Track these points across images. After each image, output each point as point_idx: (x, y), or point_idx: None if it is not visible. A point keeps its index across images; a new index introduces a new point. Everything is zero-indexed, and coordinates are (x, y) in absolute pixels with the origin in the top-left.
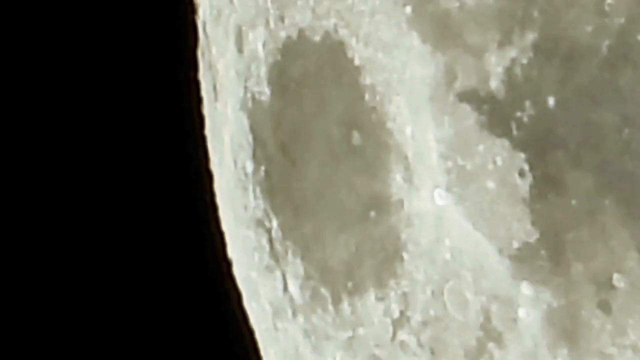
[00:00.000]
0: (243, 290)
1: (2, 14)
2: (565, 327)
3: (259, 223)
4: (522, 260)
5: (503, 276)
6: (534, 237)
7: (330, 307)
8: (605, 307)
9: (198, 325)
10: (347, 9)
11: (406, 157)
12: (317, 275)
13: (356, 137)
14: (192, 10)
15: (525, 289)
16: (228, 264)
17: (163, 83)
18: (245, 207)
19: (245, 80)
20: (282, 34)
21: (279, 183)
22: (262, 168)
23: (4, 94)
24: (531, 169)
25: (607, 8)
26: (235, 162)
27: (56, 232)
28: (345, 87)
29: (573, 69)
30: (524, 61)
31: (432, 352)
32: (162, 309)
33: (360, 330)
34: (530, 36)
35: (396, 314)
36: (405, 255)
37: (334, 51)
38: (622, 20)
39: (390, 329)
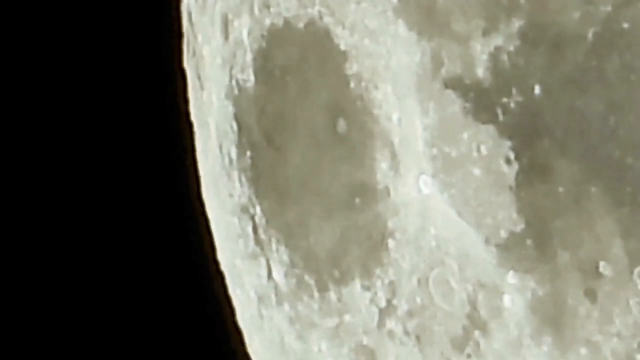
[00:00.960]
0: (227, 277)
1: None
2: (551, 315)
3: (244, 210)
4: (508, 248)
5: (489, 264)
6: (519, 225)
7: (316, 295)
8: (591, 294)
9: (182, 313)
10: None
11: (392, 145)
12: (302, 263)
13: (341, 124)
14: None
15: (511, 277)
16: (213, 250)
17: (148, 71)
18: (230, 194)
19: (231, 68)
20: (267, 22)
21: (263, 170)
22: (247, 155)
23: None
24: (517, 156)
25: None
26: (220, 149)
27: (43, 215)
28: (331, 75)
29: (559, 56)
30: (510, 48)
31: (419, 340)
32: (147, 298)
33: (347, 318)
34: (516, 24)
35: (383, 303)
36: (391, 244)
37: (319, 38)
38: (609, 8)
39: (377, 317)
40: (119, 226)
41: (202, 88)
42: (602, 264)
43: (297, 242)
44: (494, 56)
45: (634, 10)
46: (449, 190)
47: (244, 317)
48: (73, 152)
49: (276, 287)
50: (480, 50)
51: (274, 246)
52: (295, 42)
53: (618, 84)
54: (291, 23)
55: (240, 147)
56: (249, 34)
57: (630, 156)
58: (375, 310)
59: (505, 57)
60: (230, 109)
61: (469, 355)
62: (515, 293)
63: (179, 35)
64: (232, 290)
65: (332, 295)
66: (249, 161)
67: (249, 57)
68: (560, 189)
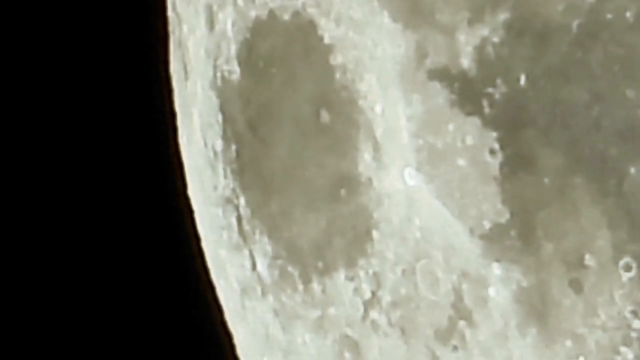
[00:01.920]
0: (211, 269)
1: None
2: (536, 307)
3: (228, 201)
4: (493, 239)
5: (474, 255)
6: (504, 216)
7: (300, 287)
8: (576, 286)
9: (167, 305)
10: None
11: (376, 136)
12: (286, 254)
13: (326, 115)
14: None
15: (496, 268)
16: (197, 242)
17: (133, 63)
18: (215, 186)
19: (215, 59)
20: (252, 13)
21: (248, 162)
22: (232, 147)
23: None
24: (502, 147)
25: None
26: (204, 141)
27: (30, 211)
28: (315, 66)
29: (544, 47)
30: (495, 39)
31: (403, 332)
32: (132, 289)
33: (331, 310)
34: (502, 15)
35: (367, 294)
36: (375, 235)
37: (303, 30)
38: None
39: (361, 308)
40: (102, 217)
41: (186, 79)
42: (587, 255)
43: (281, 234)
44: (479, 47)
45: (618, 2)
46: (433, 181)
47: (228, 309)
48: (55, 142)
49: (260, 279)
50: (465, 41)
51: (257, 237)
52: (280, 33)
53: (602, 74)
54: (276, 14)
55: (225, 139)
56: (234, 25)
57: (614, 147)
58: (359, 301)
59: (490, 48)
60: (215, 100)
61: (454, 347)
62: (500, 284)
63: (164, 26)
64: (216, 282)
65: (316, 286)
66: (233, 153)
67: (233, 48)
68: (545, 180)
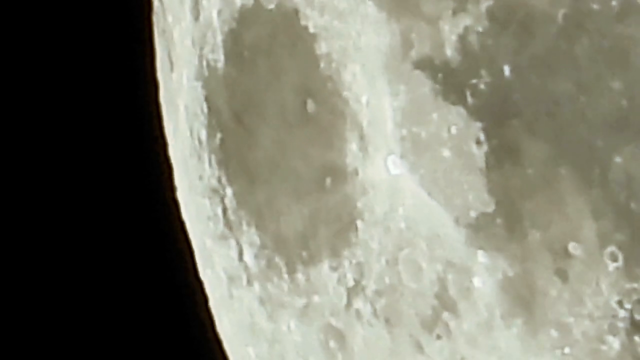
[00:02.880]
0: (198, 258)
1: None
2: (521, 296)
3: (214, 191)
4: (478, 229)
5: (458, 245)
6: (489, 205)
7: (285, 276)
8: (562, 275)
9: (153, 295)
10: None
11: (361, 126)
12: (272, 244)
13: (311, 105)
14: None
15: (481, 257)
16: (184, 232)
17: (118, 53)
18: (200, 176)
19: (201, 49)
20: (238, 2)
21: (233, 152)
22: (217, 137)
23: None
24: (487, 137)
25: None
26: (190, 131)
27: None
28: (300, 55)
29: (529, 37)
30: (479, 29)
31: (387, 321)
32: (118, 279)
33: (315, 299)
34: (485, 4)
35: (351, 283)
36: (359, 224)
37: (289, 19)
38: None
39: (345, 297)
40: (88, 207)
41: (172, 69)
42: (572, 244)
43: (267, 223)
44: (463, 37)
45: None
46: (418, 171)
47: (214, 298)
48: (41, 132)
49: (246, 268)
50: (450, 31)
51: (244, 227)
52: (265, 22)
53: (587, 65)
54: (261, 3)
55: (210, 129)
56: (219, 14)
57: (599, 137)
58: (343, 290)
59: (474, 38)
60: (200, 90)
61: (438, 336)
62: (485, 274)
63: (149, 16)
64: (202, 271)
65: (301, 275)
66: (218, 142)
67: (219, 38)
68: (530, 170)
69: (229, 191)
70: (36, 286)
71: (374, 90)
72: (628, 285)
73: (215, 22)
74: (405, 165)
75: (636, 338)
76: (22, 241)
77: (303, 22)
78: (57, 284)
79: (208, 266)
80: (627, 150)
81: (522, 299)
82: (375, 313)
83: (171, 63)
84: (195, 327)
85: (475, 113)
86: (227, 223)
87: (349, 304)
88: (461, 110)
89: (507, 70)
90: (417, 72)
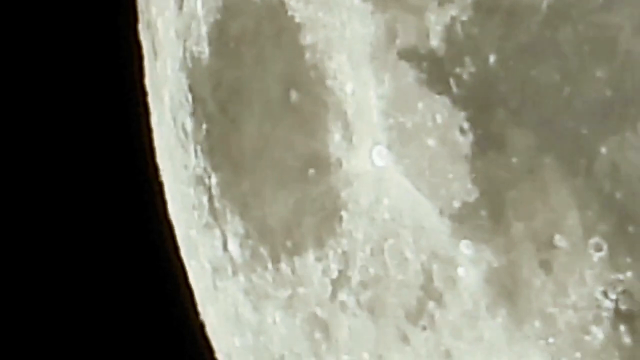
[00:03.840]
0: (182, 248)
1: None
2: (506, 287)
3: (199, 181)
4: (463, 219)
5: (443, 235)
6: (474, 196)
7: (270, 266)
8: (546, 266)
9: (137, 285)
10: None
11: (346, 115)
12: (256, 234)
13: (295, 95)
14: None
15: (466, 248)
16: (169, 223)
17: (103, 43)
18: (185, 166)
19: (185, 40)
20: None
21: (218, 141)
22: (202, 127)
23: None
24: (472, 126)
25: None
26: (175, 121)
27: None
28: (285, 46)
29: (513, 26)
30: (464, 19)
31: (372, 312)
32: (103, 271)
33: (300, 290)
34: None
35: (335, 274)
36: (344, 215)
37: (273, 10)
38: None
39: (330, 288)
40: (73, 198)
41: (156, 60)
42: (557, 235)
43: (252, 213)
44: (449, 27)
45: None
46: (403, 160)
47: (199, 289)
48: (26, 125)
49: (231, 259)
50: (435, 21)
51: (228, 217)
52: (250, 13)
53: (572, 54)
54: None
55: (195, 119)
56: (204, 5)
57: (584, 127)
58: (327, 281)
59: (459, 28)
60: (185, 80)
61: (423, 327)
62: (469, 264)
63: (134, 8)
64: (187, 262)
65: (285, 266)
66: (203, 133)
67: (203, 29)
68: (515, 160)
69: (213, 180)
70: (23, 278)
71: (359, 81)
72: (612, 276)
73: (200, 12)
74: (390, 155)
75: (620, 328)
76: (6, 231)
77: (288, 13)
78: (39, 273)
79: (193, 257)
80: (612, 140)
81: (506, 289)
82: (360, 304)
83: (155, 53)
84: (180, 317)
85: (460, 102)
86: (212, 212)
87: (333, 295)
88: (446, 99)
89: (492, 59)
90: (402, 62)
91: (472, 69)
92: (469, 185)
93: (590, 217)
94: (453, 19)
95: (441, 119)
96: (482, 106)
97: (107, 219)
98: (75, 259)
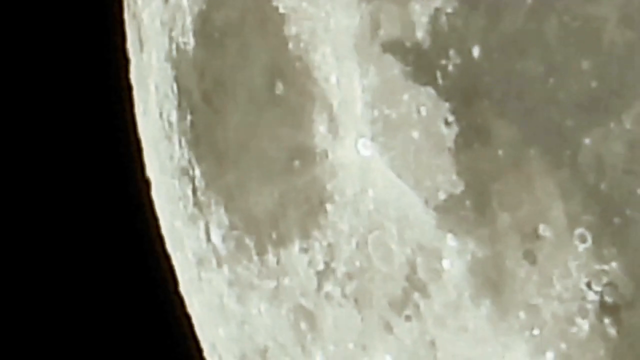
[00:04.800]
0: (167, 240)
1: None
2: (490, 278)
3: (184, 172)
4: (447, 210)
5: (428, 227)
6: (459, 187)
7: (255, 258)
8: (530, 257)
9: (123, 276)
10: None
11: (331, 107)
12: (241, 226)
13: (280, 86)
14: None
15: (450, 239)
16: (154, 215)
17: (89, 36)
18: (170, 157)
19: (170, 31)
20: None
21: (203, 133)
22: (187, 118)
23: None
24: (456, 118)
25: None
26: (160, 112)
27: None
28: (270, 37)
29: (498, 18)
30: (449, 10)
31: (357, 302)
32: (88, 263)
33: (285, 281)
34: None
35: (320, 265)
36: (329, 207)
37: (258, 1)
38: None
39: (315, 279)
40: (58, 190)
41: (142, 51)
42: (541, 226)
43: (237, 205)
44: (433, 18)
45: None
46: (388, 152)
47: (184, 280)
48: (8, 117)
49: (215, 250)
50: (420, 13)
51: (213, 208)
52: (234, 4)
53: (557, 46)
54: None
55: (180, 110)
56: None
57: (569, 118)
58: (312, 272)
59: (444, 19)
60: (170, 71)
61: (408, 317)
62: (454, 255)
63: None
64: (172, 253)
65: (271, 257)
66: (188, 124)
67: (188, 20)
68: (500, 151)
69: (198, 172)
70: (6, 268)
71: (344, 71)
72: (597, 267)
73: (185, 3)
74: (375, 146)
75: (605, 320)
76: None
77: (273, 4)
78: (25, 268)
79: (178, 248)
80: (597, 132)
81: (491, 280)
82: (345, 294)
83: (141, 44)
84: (165, 308)
85: (445, 94)
86: (197, 204)
87: (319, 286)
88: (431, 91)
89: (476, 51)
90: (387, 54)
91: (457, 61)
92: (454, 177)
93: (575, 208)
94: (437, 10)
95: (426, 111)
96: (466, 98)
97: (92, 210)
98: (59, 250)
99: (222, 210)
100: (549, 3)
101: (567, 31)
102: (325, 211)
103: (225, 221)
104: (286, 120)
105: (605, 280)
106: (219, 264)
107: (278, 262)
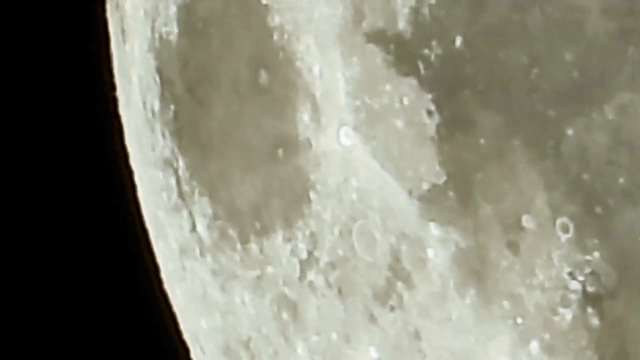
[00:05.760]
0: (150, 230)
1: None
2: (474, 268)
3: (167, 163)
4: (431, 200)
5: (411, 217)
6: (441, 177)
7: (238, 247)
8: (513, 247)
9: (105, 267)
10: None
11: (314, 97)
12: (225, 215)
13: (263, 76)
14: None
15: (434, 229)
16: (137, 204)
17: (70, 25)
18: (153, 147)
19: (153, 20)
20: None
21: (186, 123)
22: (170, 108)
23: None
24: (439, 108)
25: None
26: (143, 103)
27: None
28: (253, 27)
29: (481, 8)
30: (432, 1)
31: (340, 292)
32: (70, 254)
33: (269, 270)
34: None
35: (304, 255)
36: (312, 196)
37: None
38: None
39: (298, 269)
40: (41, 182)
41: (124, 41)
42: (524, 216)
43: (220, 195)
44: (416, 9)
45: None
46: (371, 142)
47: (166, 270)
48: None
49: (199, 239)
50: (402, 3)
51: (197, 198)
52: None
53: (540, 36)
54: None
55: (163, 100)
56: None
57: (552, 109)
58: (296, 261)
59: (426, 10)
60: (153, 62)
61: (392, 307)
62: (438, 245)
63: None
64: (155, 243)
65: (254, 247)
66: (171, 114)
67: (172, 9)
68: (482, 141)
69: (181, 162)
70: None
71: (327, 61)
72: (579, 257)
73: None
74: (358, 136)
75: (588, 310)
76: None
77: None
78: (10, 263)
79: (160, 238)
80: (580, 122)
81: (474, 270)
82: (328, 284)
83: (124, 35)
84: (147, 299)
85: (427, 84)
86: (180, 194)
87: (302, 275)
88: (413, 81)
89: (459, 41)
90: (370, 44)
91: (439, 51)
92: (437, 167)
93: (558, 198)
94: (420, 1)
95: (408, 101)
96: (449, 88)
97: (74, 202)
98: (42, 243)
99: (205, 201)
100: None
101: (549, 22)
102: (309, 201)
103: (209, 211)
104: (270, 110)
105: (587, 270)
106: (202, 254)
107: (261, 252)
